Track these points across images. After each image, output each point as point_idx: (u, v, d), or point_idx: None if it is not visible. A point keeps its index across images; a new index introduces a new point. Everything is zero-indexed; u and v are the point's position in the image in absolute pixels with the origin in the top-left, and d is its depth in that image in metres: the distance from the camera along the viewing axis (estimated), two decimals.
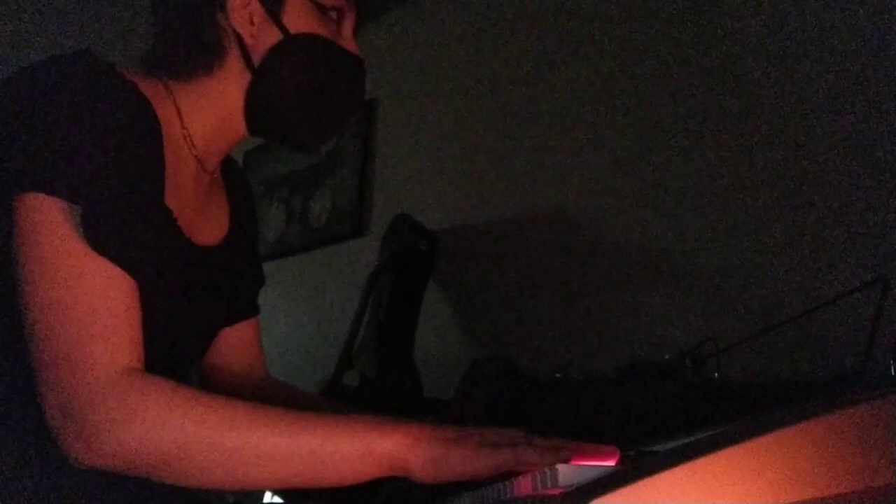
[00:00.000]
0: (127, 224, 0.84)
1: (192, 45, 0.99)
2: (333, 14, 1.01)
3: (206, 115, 1.00)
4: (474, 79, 2.35)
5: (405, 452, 0.74)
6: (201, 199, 1.02)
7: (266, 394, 1.16)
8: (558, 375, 1.48)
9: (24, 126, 0.83)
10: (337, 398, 1.99)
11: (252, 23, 0.98)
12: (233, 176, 1.13)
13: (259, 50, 0.98)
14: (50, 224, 0.80)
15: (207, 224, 1.04)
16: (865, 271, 1.38)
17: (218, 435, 0.75)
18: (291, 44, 0.98)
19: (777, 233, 1.58)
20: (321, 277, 2.77)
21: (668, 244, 1.76)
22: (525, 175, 2.12)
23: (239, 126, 1.03)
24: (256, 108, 1.00)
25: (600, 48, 2.01)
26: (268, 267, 3.20)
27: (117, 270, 0.81)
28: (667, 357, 1.31)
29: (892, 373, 1.02)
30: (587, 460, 0.71)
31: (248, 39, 0.98)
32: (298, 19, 0.98)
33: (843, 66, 1.54)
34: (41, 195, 0.80)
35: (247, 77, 0.99)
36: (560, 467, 0.61)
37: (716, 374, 1.26)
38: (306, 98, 1.00)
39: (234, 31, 0.98)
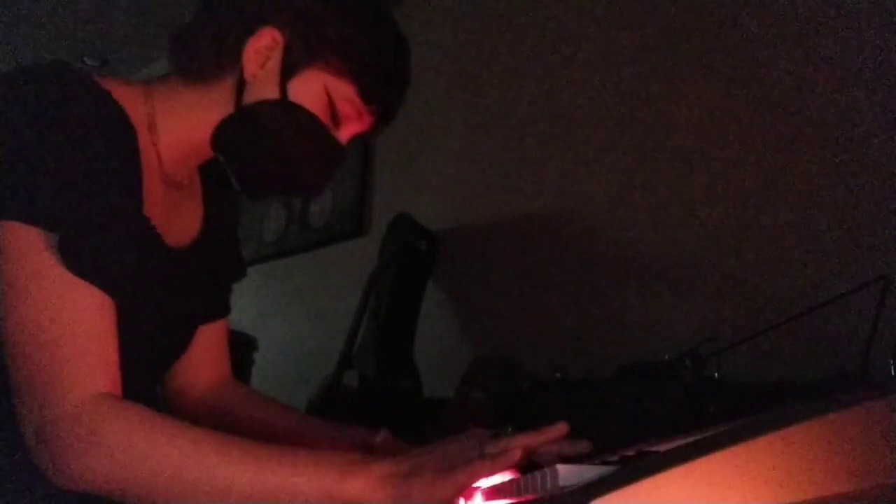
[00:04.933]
0: (106, 244, 0.84)
1: (211, 47, 0.98)
2: (339, 116, 1.00)
3: (180, 129, 0.99)
4: (475, 79, 2.35)
5: (367, 495, 0.75)
6: (170, 200, 1.02)
7: (227, 397, 1.17)
8: (558, 375, 1.48)
9: None
10: (333, 398, 1.99)
11: (262, 66, 0.97)
12: (211, 173, 1.13)
13: (252, 93, 0.98)
14: (27, 251, 0.80)
15: (178, 224, 1.04)
16: (865, 271, 1.38)
17: (182, 467, 0.76)
18: (283, 108, 0.97)
19: (777, 233, 1.58)
20: (321, 277, 2.77)
21: (668, 245, 1.76)
22: (525, 175, 2.13)
23: (208, 149, 1.02)
24: (221, 139, 1.00)
25: (602, 48, 2.02)
26: (268, 267, 3.21)
27: (95, 292, 0.82)
28: (667, 357, 1.31)
29: (892, 373, 1.03)
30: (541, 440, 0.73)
31: (247, 77, 0.97)
32: (303, 92, 0.97)
33: (843, 67, 1.54)
34: (17, 223, 0.80)
35: (230, 108, 0.99)
36: (560, 467, 0.61)
37: (716, 374, 1.26)
38: (271, 159, 1.00)
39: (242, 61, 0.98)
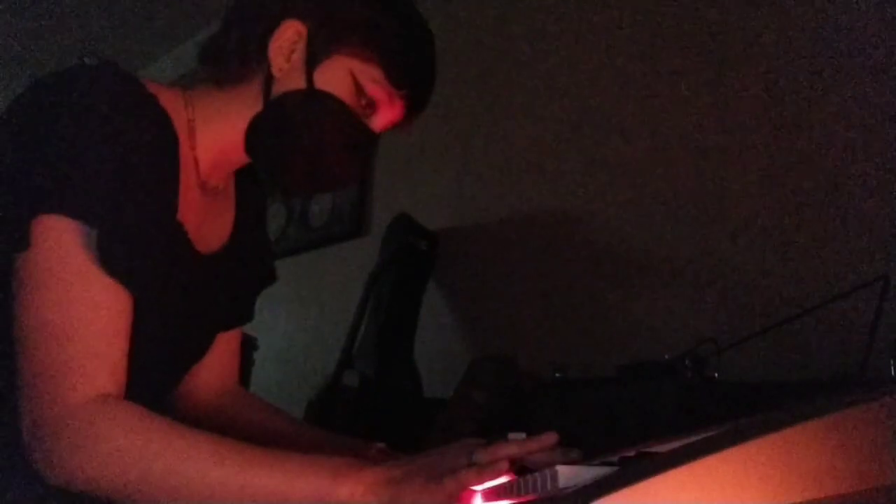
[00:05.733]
0: (140, 245, 0.85)
1: (235, 51, 0.99)
2: (368, 101, 0.99)
3: (218, 131, 1.00)
4: (474, 78, 2.35)
5: (358, 499, 0.77)
6: (204, 205, 1.03)
7: (231, 403, 1.17)
8: (558, 375, 1.48)
9: (44, 144, 0.83)
10: (333, 398, 1.99)
11: (288, 59, 0.97)
12: (244, 179, 1.13)
13: (280, 87, 0.98)
14: (61, 245, 0.80)
15: (210, 230, 1.04)
16: (865, 271, 1.38)
17: (175, 469, 0.77)
18: (309, 96, 0.97)
19: (777, 233, 1.58)
20: (321, 277, 2.77)
21: (668, 244, 1.76)
22: (525, 175, 2.12)
23: (243, 153, 1.03)
24: (254, 138, 1.00)
25: (603, 48, 2.01)
26: None
27: (118, 292, 0.82)
28: (667, 357, 1.31)
29: (893, 373, 1.03)
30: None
31: (275, 72, 0.97)
32: (329, 79, 0.97)
33: (844, 67, 1.54)
34: (57, 217, 0.81)
35: (259, 105, 0.99)
36: (560, 468, 0.61)
37: (716, 374, 1.26)
38: (304, 150, 0.99)
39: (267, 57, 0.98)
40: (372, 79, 0.98)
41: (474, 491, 0.74)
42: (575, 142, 2.02)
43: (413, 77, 1.02)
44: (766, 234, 1.60)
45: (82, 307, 0.80)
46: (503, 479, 0.74)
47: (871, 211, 1.45)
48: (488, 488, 0.74)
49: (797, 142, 1.59)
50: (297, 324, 2.80)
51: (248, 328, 1.27)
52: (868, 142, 1.48)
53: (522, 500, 0.66)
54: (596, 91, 2.00)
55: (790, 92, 1.61)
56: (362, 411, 1.98)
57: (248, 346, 2.30)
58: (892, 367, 1.03)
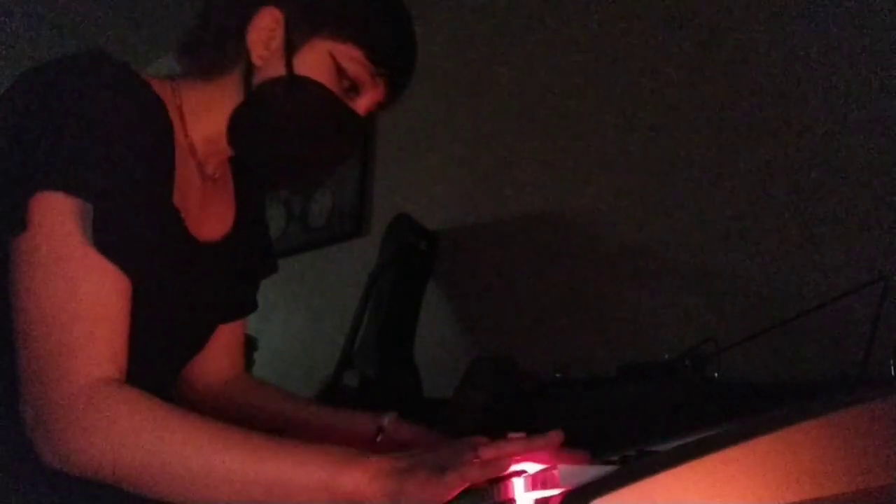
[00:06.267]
0: (136, 226, 0.85)
1: (213, 42, 0.99)
2: (350, 83, 0.99)
3: (204, 122, 1.00)
4: (474, 78, 2.35)
5: (362, 489, 0.77)
6: (206, 193, 1.03)
7: (239, 389, 1.18)
8: (558, 375, 1.49)
9: (42, 126, 0.83)
10: (333, 398, 1.99)
11: (267, 47, 0.97)
12: (243, 170, 1.13)
13: (261, 76, 0.98)
14: (56, 223, 0.80)
15: (211, 219, 1.04)
16: (865, 271, 1.38)
17: (181, 456, 0.77)
18: (290, 82, 0.97)
19: (777, 233, 1.58)
20: (321, 277, 2.77)
21: (667, 244, 1.76)
22: (525, 175, 2.12)
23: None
24: (236, 130, 1.00)
25: (602, 47, 2.01)
26: None
27: (116, 275, 0.82)
28: (667, 357, 1.31)
29: (893, 373, 1.03)
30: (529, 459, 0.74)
31: (255, 60, 0.98)
32: (310, 65, 0.97)
33: (843, 67, 1.54)
34: (55, 193, 0.80)
35: (241, 95, 0.99)
36: (560, 467, 0.61)
37: (716, 374, 1.26)
38: (288, 140, 0.99)
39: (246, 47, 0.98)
40: (352, 59, 0.98)
41: (515, 475, 0.74)
42: (575, 142, 2.02)
43: (393, 55, 1.02)
44: (766, 234, 1.60)
45: (82, 290, 0.80)
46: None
47: (871, 211, 1.45)
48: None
49: (796, 141, 1.58)
50: (297, 324, 2.80)
51: (248, 328, 1.28)
52: (868, 142, 1.48)
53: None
54: (596, 91, 2.00)
55: (791, 92, 1.61)
56: (362, 411, 1.97)
57: (248, 346, 2.30)
58: (892, 367, 1.03)
